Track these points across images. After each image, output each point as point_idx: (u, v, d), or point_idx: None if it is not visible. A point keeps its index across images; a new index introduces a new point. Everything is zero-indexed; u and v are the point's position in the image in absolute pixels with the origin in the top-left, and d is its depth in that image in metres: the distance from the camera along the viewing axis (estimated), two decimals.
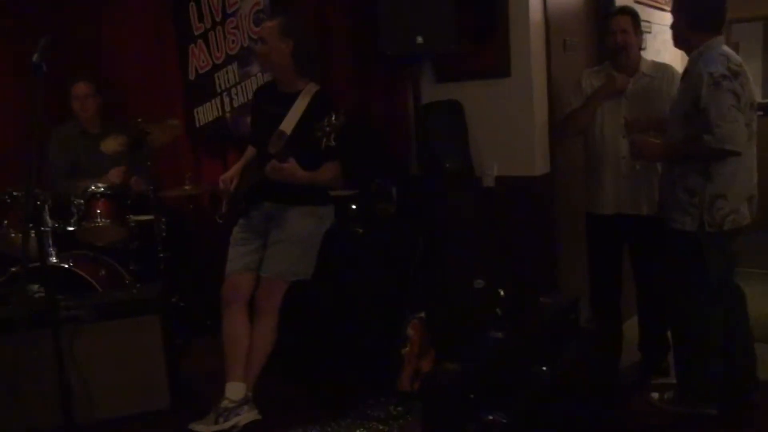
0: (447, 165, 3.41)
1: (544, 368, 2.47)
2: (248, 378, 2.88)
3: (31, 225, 3.49)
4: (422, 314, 3.21)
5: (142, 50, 4.53)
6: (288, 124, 2.92)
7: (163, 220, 4.02)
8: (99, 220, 3.65)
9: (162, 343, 3.02)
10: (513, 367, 2.47)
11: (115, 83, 4.52)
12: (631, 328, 3.45)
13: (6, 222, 3.56)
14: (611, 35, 3.12)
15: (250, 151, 3.22)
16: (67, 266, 3.41)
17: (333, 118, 2.61)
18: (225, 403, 2.79)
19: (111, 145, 3.67)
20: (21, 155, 4.11)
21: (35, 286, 3.20)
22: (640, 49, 3.23)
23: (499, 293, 3.19)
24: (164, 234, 4.02)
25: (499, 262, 3.28)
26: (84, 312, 2.93)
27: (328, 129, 2.61)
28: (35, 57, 1.75)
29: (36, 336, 2.80)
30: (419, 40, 3.08)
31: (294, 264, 2.96)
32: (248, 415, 2.80)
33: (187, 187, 4.17)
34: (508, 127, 3.37)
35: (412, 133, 3.51)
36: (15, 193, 3.60)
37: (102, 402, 2.93)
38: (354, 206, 3.32)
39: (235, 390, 2.83)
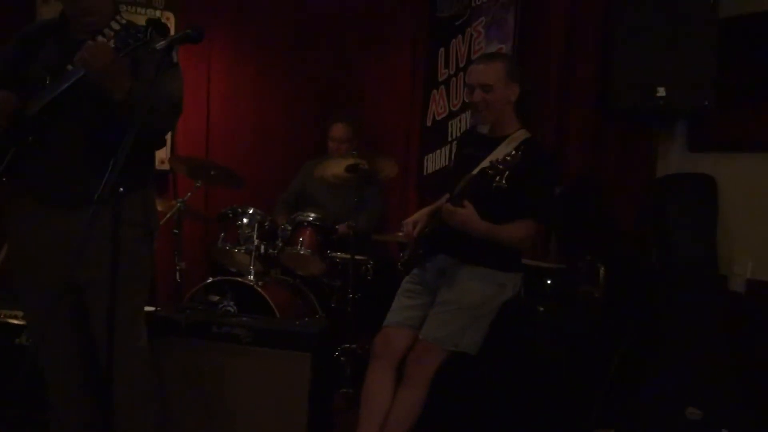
0: (681, 253, 2.69)
1: None
2: None
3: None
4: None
5: (396, 95, 4.53)
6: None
7: (371, 263, 3.91)
8: (300, 248, 3.66)
9: (309, 383, 2.79)
10: None
11: (370, 126, 4.58)
12: None
13: (223, 234, 3.74)
14: None
15: (445, 197, 2.90)
16: (253, 286, 3.42)
17: (510, 154, 2.19)
18: None
19: (329, 169, 3.63)
20: (258, 181, 4.44)
21: (216, 298, 3.26)
22: None
23: None
24: (370, 277, 3.91)
25: (730, 392, 2.44)
26: (242, 332, 2.86)
27: (501, 166, 2.19)
28: (162, 43, 1.69)
29: (195, 346, 2.87)
30: (660, 92, 2.50)
31: (457, 332, 2.53)
32: None
33: (400, 234, 4.00)
34: None
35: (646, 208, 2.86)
36: (239, 210, 3.79)
37: (239, 429, 2.80)
38: (549, 281, 2.78)
39: None
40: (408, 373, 2.54)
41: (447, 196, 2.83)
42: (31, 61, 2.19)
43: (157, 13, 4.27)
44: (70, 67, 2.06)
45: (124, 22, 2.20)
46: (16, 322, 3.05)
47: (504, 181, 2.23)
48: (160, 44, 1.69)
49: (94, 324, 2.30)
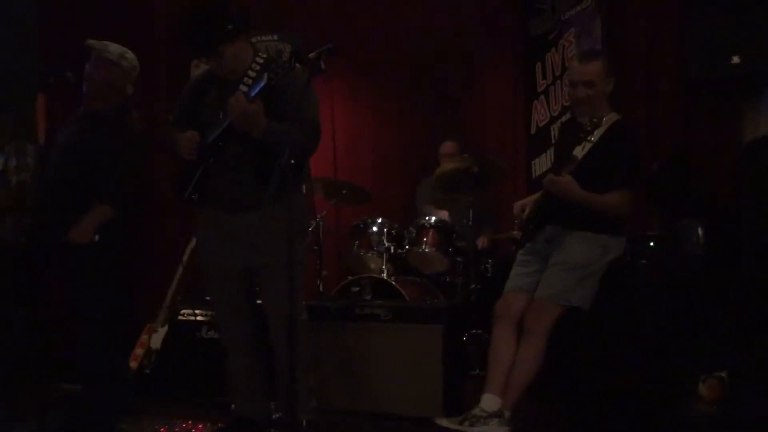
0: None
1: None
2: (506, 396, 2.83)
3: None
4: (722, 374, 2.73)
5: (501, 109, 4.92)
6: (581, 149, 2.91)
7: (491, 261, 4.28)
8: (425, 247, 4.09)
9: (442, 352, 3.19)
10: None
11: (480, 139, 5.01)
12: None
13: (357, 242, 4.26)
14: None
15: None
16: (389, 280, 3.89)
17: (597, 116, 2.56)
18: (476, 411, 2.80)
19: (446, 167, 4.07)
20: (379, 197, 4.92)
21: (356, 289, 3.76)
22: None
23: None
24: (490, 274, 4.28)
25: None
26: (381, 311, 3.32)
27: (589, 128, 2.56)
28: (313, 54, 2.21)
29: (342, 327, 3.37)
30: (735, 60, 2.77)
31: (568, 289, 2.85)
32: (496, 429, 2.75)
33: (515, 232, 4.36)
34: None
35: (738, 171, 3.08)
36: (369, 221, 4.30)
37: (383, 396, 3.23)
38: (652, 243, 3.04)
39: (490, 402, 2.82)
40: (527, 328, 2.88)
41: (550, 175, 3.20)
42: (201, 103, 2.83)
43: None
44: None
45: (262, 61, 2.76)
46: (197, 318, 3.68)
47: (593, 139, 2.60)
48: (312, 54, 2.23)
49: (265, 300, 2.84)
